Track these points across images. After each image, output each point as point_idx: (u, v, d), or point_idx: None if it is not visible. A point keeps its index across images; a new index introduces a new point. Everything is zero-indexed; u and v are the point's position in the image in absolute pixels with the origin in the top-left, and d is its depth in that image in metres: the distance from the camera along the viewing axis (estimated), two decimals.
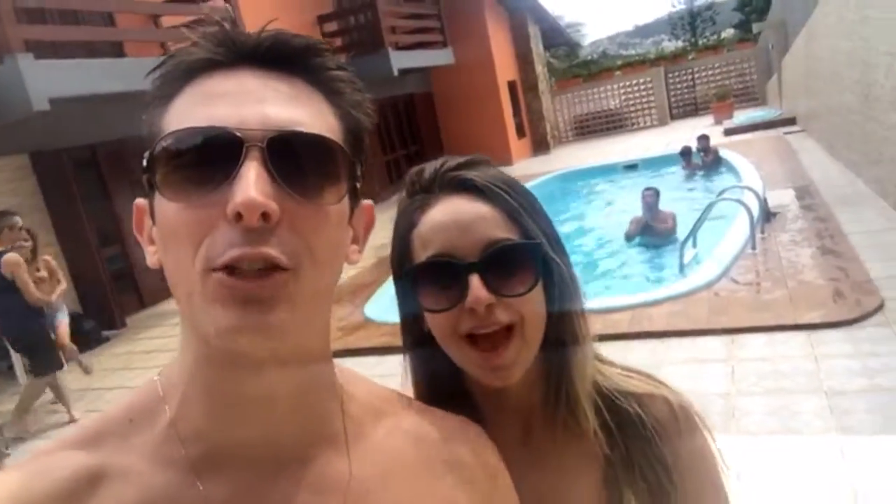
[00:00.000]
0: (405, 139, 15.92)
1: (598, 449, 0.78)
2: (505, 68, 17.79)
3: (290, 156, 0.51)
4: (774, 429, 3.21)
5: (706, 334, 4.41)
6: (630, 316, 4.83)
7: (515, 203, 0.75)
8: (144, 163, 0.53)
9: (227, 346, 0.50)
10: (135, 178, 8.98)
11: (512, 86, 18.31)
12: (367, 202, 0.63)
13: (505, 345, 0.73)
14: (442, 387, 0.81)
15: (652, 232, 7.57)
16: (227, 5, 7.93)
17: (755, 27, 20.20)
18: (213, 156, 0.49)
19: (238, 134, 0.50)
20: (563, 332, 0.78)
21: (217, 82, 0.53)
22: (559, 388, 0.79)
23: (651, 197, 7.55)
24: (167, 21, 8.89)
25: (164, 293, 9.12)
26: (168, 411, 0.57)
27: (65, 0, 7.15)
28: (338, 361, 0.65)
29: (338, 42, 12.72)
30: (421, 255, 0.74)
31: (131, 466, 0.54)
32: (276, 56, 0.55)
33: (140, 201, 0.59)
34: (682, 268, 6.28)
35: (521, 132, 18.67)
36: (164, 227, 0.52)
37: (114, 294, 8.17)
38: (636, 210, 7.85)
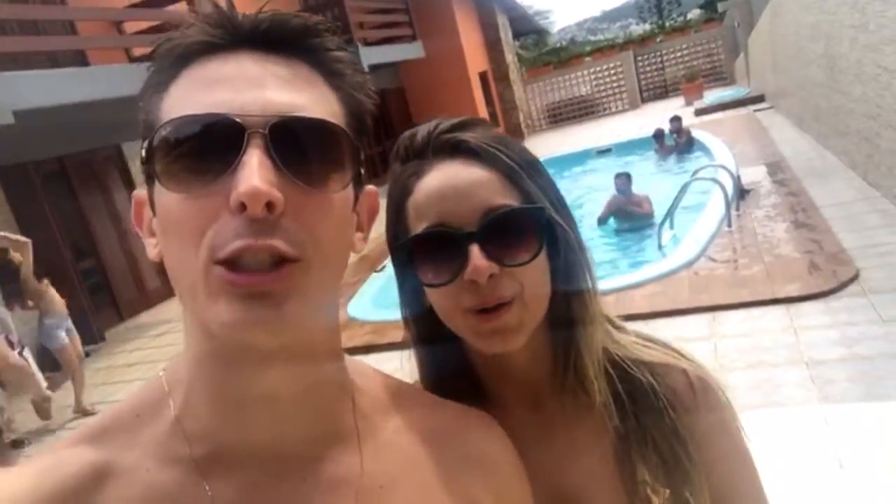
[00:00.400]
0: (378, 136, 15.82)
1: (609, 421, 0.75)
2: (475, 59, 17.77)
3: (293, 142, 0.49)
4: (758, 403, 3.25)
5: (688, 313, 4.46)
6: (614, 299, 4.86)
7: (515, 165, 0.71)
8: (143, 153, 0.51)
9: (233, 340, 0.49)
10: (107, 189, 8.87)
11: (483, 76, 18.30)
12: (370, 188, 0.61)
13: (507, 308, 0.69)
14: (446, 365, 0.78)
15: (627, 216, 7.62)
16: (191, 7, 7.81)
17: (720, 6, 20.36)
18: (214, 144, 0.48)
19: (238, 120, 0.48)
20: (570, 300, 0.74)
21: (215, 66, 0.51)
22: (567, 359, 0.75)
23: (622, 182, 7.60)
24: (130, 27, 8.74)
25: (141, 305, 9.03)
26: (173, 407, 0.56)
27: (24, 10, 7.00)
28: None
29: None
30: (417, 226, 0.70)
31: (137, 463, 0.53)
32: (275, 38, 0.53)
33: (139, 193, 0.57)
34: (661, 249, 6.33)
35: (494, 122, 18.67)
36: (165, 219, 0.51)
37: (91, 308, 8.05)
38: (610, 195, 7.91)
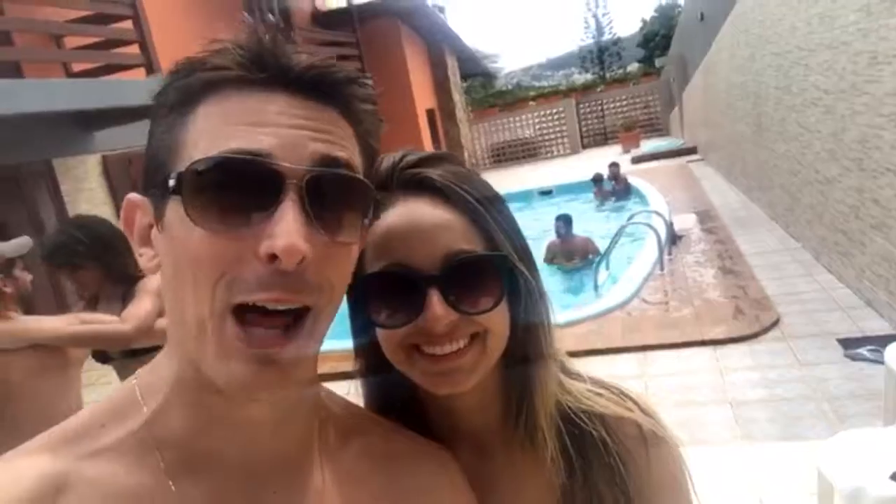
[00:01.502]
0: None
1: (556, 478, 0.72)
2: (423, 96, 18.04)
3: (325, 195, 0.50)
4: (686, 440, 3.32)
5: (621, 352, 4.58)
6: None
7: (481, 208, 0.67)
8: (171, 180, 0.49)
9: (236, 397, 0.50)
10: (34, 206, 8.48)
11: (430, 113, 18.57)
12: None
13: (463, 351, 0.67)
14: (393, 402, 0.76)
15: (567, 257, 7.78)
16: (136, 27, 7.68)
17: (658, 62, 21.48)
18: (251, 188, 0.48)
19: (279, 168, 0.48)
20: (526, 348, 0.72)
21: (253, 104, 0.51)
22: (519, 409, 0.73)
23: (561, 225, 7.74)
24: (70, 42, 8.51)
25: None
26: (145, 414, 0.55)
27: None
28: None
29: None
30: (374, 262, 0.66)
31: (101, 471, 0.52)
32: (318, 85, 0.53)
33: (134, 197, 0.55)
34: (596, 289, 6.50)
35: None
36: (182, 250, 0.50)
37: None
38: (552, 235, 8.07)
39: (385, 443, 0.67)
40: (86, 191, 9.30)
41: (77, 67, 8.05)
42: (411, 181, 0.68)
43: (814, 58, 5.44)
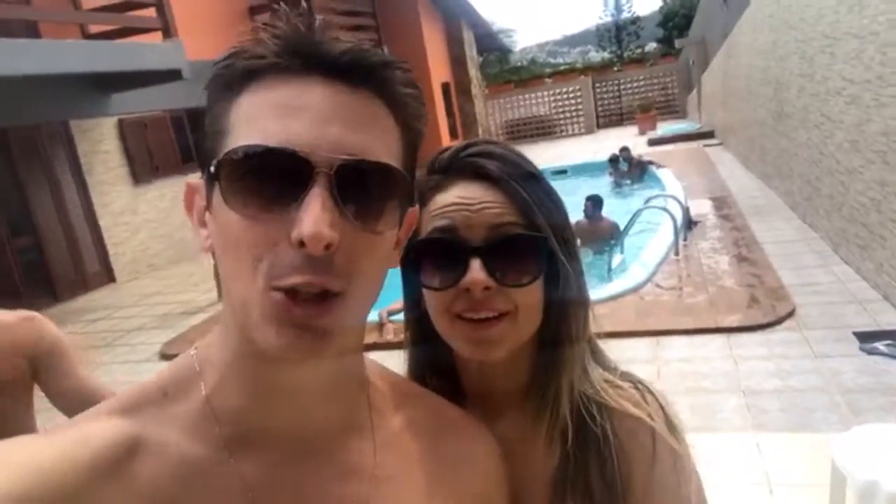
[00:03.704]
0: None
1: (553, 457, 0.76)
2: (439, 70, 17.88)
3: (356, 184, 0.51)
4: (697, 427, 3.37)
5: (633, 336, 4.59)
6: None
7: (528, 195, 0.74)
8: (211, 167, 0.52)
9: (279, 358, 0.52)
10: (50, 166, 8.51)
11: (446, 88, 18.42)
12: (412, 208, 0.63)
13: (496, 322, 0.72)
14: (432, 365, 0.82)
15: (591, 238, 7.69)
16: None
17: (677, 43, 21.16)
18: (282, 175, 0.50)
19: (308, 158, 0.50)
20: (559, 329, 0.77)
21: (289, 92, 0.52)
22: (543, 386, 0.78)
23: (590, 206, 7.61)
24: (87, 3, 8.45)
25: (78, 288, 8.69)
26: (204, 388, 0.58)
27: None
28: None
29: None
30: (427, 231, 0.74)
31: (167, 438, 0.55)
32: (354, 70, 0.54)
33: (193, 182, 0.58)
34: (609, 272, 6.49)
35: (453, 134, 18.79)
36: (224, 233, 0.53)
37: (24, 287, 7.70)
38: (570, 213, 7.99)
39: (430, 415, 0.70)
40: (101, 153, 9.33)
41: (94, 30, 7.99)
42: (468, 167, 0.75)
43: (840, 46, 5.35)
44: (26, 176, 8.08)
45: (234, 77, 0.54)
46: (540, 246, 0.73)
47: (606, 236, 7.56)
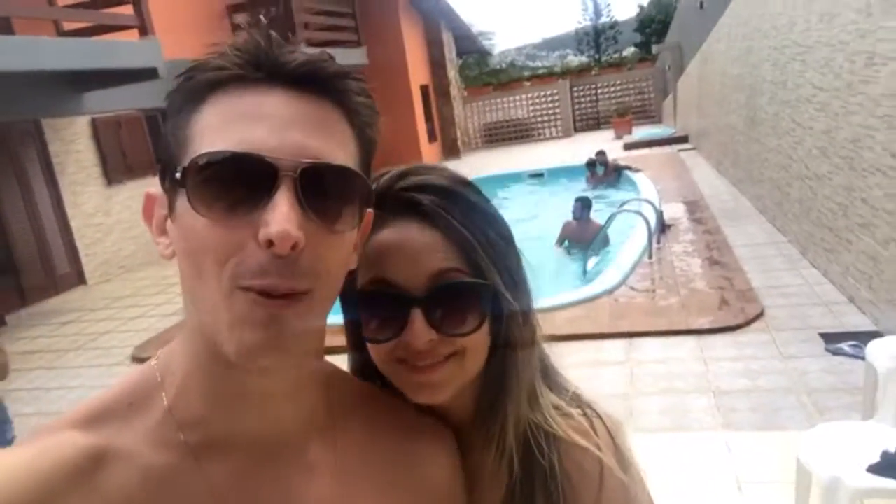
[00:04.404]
0: None
1: (500, 487, 0.75)
2: (418, 72, 17.90)
3: (318, 186, 0.53)
4: (668, 426, 3.43)
5: (607, 338, 4.65)
6: (540, 319, 4.98)
7: (470, 234, 0.70)
8: (176, 173, 0.54)
9: (246, 366, 0.53)
10: (21, 165, 8.36)
11: (424, 90, 18.44)
12: (368, 210, 0.65)
13: (440, 366, 0.70)
14: (375, 371, 0.77)
15: (579, 239, 7.72)
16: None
17: (654, 48, 21.44)
18: (248, 180, 0.51)
19: (273, 162, 0.51)
20: (504, 367, 0.75)
21: (251, 100, 0.54)
22: (489, 417, 0.76)
23: (579, 208, 7.66)
24: (62, 0, 8.32)
25: (48, 291, 8.53)
26: (165, 398, 0.59)
27: None
28: None
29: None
30: (364, 275, 0.70)
31: (132, 448, 0.56)
32: (310, 79, 0.56)
33: (152, 191, 0.60)
34: (585, 274, 6.56)
35: (432, 136, 18.82)
36: (190, 238, 0.54)
37: None
38: (543, 216, 8.04)
39: (389, 415, 0.71)
40: (74, 152, 9.17)
41: (69, 26, 7.87)
42: (403, 203, 0.70)
43: (811, 55, 5.47)
44: None
45: (198, 88, 0.55)
46: (484, 292, 0.70)
47: (588, 239, 7.62)
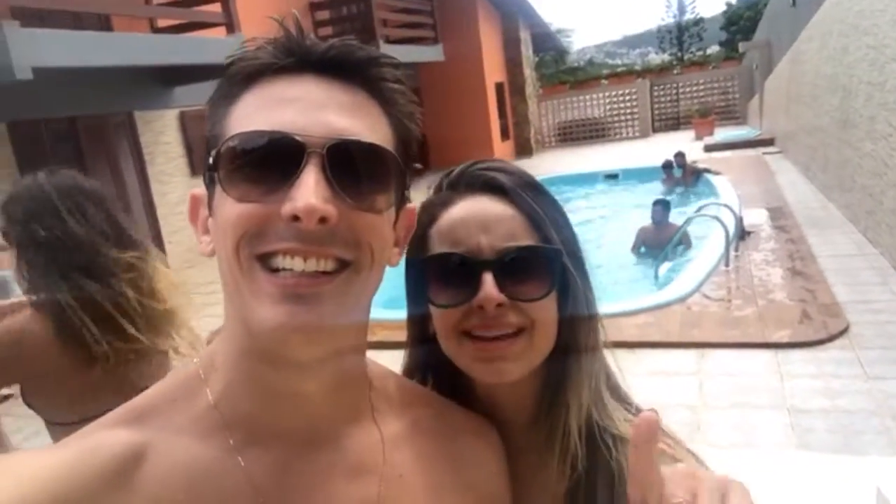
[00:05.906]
0: None
1: (560, 484, 0.74)
2: (494, 69, 17.84)
3: (347, 163, 0.53)
4: (737, 442, 3.30)
5: (677, 347, 4.51)
6: (606, 325, 4.89)
7: (539, 209, 0.73)
8: (210, 160, 0.55)
9: (275, 347, 0.53)
10: (114, 156, 8.87)
11: (499, 87, 18.36)
12: (410, 206, 0.65)
13: (510, 339, 0.70)
14: (433, 368, 0.80)
15: (657, 244, 7.53)
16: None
17: (741, 46, 20.47)
18: (276, 158, 0.52)
19: (300, 139, 0.52)
20: (568, 345, 0.75)
21: (283, 87, 0.55)
22: (551, 406, 0.75)
23: (658, 211, 7.49)
24: None
25: None
26: (210, 395, 0.60)
27: None
28: None
29: (328, 31, 12.65)
30: (438, 248, 0.72)
31: (175, 443, 0.57)
32: (340, 65, 0.57)
33: (196, 192, 0.61)
34: (656, 280, 6.38)
35: (505, 134, 18.73)
36: (220, 220, 0.55)
37: None
38: (618, 218, 7.87)
39: (437, 416, 0.71)
40: (163, 144, 9.65)
41: (162, 24, 8.30)
42: (477, 181, 0.75)
43: None
44: (92, 164, 8.41)
45: (235, 81, 0.57)
46: (553, 259, 0.72)
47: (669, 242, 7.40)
